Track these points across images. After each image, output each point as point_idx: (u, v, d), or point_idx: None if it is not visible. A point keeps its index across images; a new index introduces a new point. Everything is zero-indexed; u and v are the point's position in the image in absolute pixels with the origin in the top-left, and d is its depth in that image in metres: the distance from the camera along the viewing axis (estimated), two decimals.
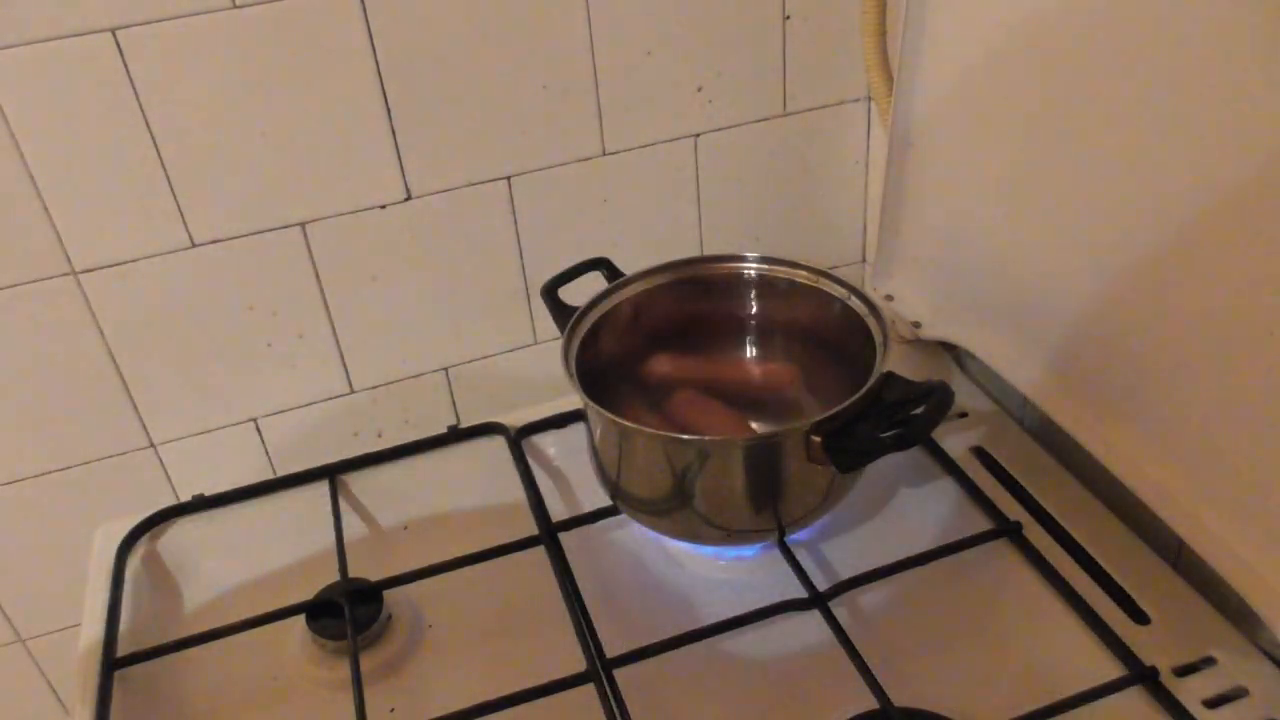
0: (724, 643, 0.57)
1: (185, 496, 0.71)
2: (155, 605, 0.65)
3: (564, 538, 0.64)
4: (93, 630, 0.61)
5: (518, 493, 0.68)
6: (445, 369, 0.81)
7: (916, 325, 0.74)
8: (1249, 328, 0.48)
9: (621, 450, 0.59)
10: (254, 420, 0.78)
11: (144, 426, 0.75)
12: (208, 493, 0.70)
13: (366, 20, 0.66)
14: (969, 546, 0.61)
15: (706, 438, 0.59)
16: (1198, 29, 0.47)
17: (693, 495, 0.57)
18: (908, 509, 0.66)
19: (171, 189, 0.67)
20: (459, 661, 0.59)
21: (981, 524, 0.63)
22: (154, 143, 0.65)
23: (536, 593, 0.61)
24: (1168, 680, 0.53)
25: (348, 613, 0.60)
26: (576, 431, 0.72)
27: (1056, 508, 0.64)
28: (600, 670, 0.55)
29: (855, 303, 0.62)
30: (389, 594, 0.61)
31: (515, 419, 0.73)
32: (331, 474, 0.71)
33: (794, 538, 0.62)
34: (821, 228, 0.86)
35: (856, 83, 0.79)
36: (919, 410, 0.53)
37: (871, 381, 0.55)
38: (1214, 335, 0.51)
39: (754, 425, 0.67)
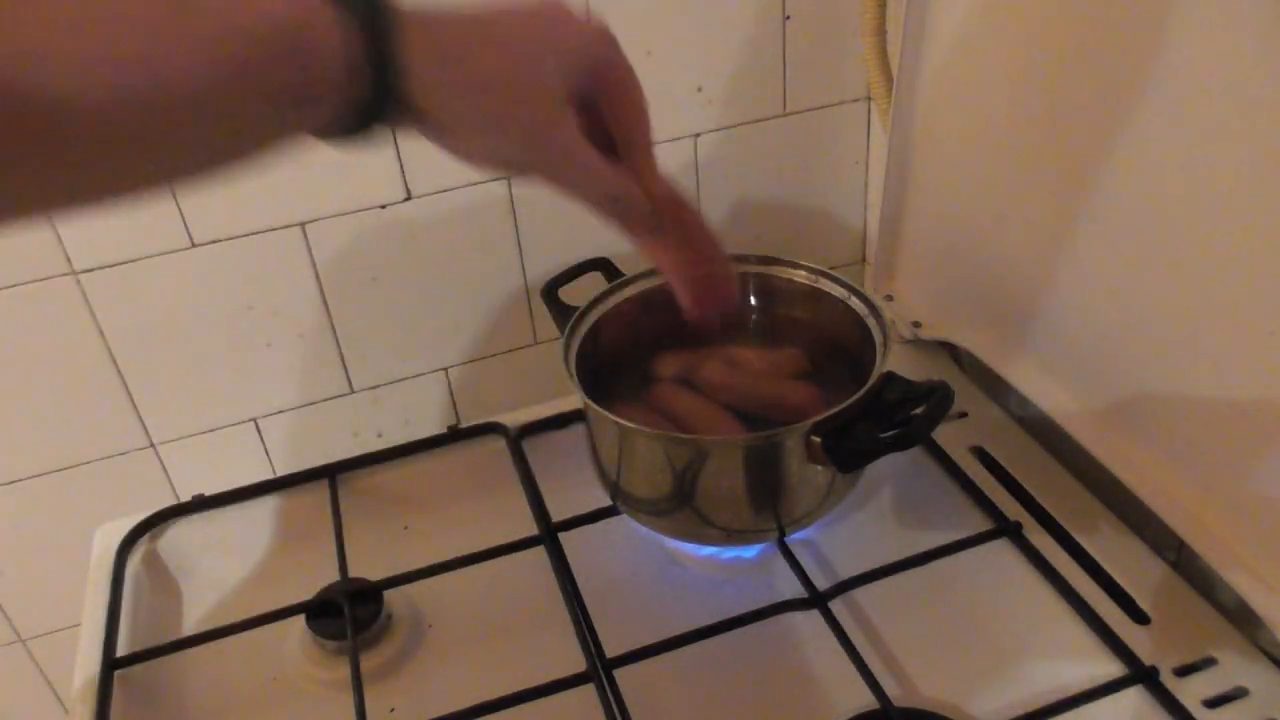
0: (725, 643, 0.57)
1: (185, 496, 0.71)
2: (155, 605, 0.65)
3: (564, 538, 0.64)
4: (93, 630, 0.61)
5: (518, 493, 0.68)
6: (445, 369, 0.81)
7: (916, 325, 0.74)
8: (1249, 328, 0.48)
9: (621, 450, 0.59)
10: (254, 420, 0.78)
11: (144, 426, 0.75)
12: (208, 493, 0.70)
13: None
14: (969, 546, 0.61)
15: (706, 438, 0.59)
16: (1196, 30, 0.47)
17: (693, 495, 0.57)
18: (908, 509, 0.66)
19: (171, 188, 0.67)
20: (459, 661, 0.59)
21: (981, 524, 0.63)
22: None
23: (536, 593, 0.61)
24: (1168, 680, 0.53)
25: (348, 613, 0.60)
26: (576, 431, 0.72)
27: (1056, 508, 0.64)
28: (600, 670, 0.55)
29: (855, 303, 0.62)
30: (389, 594, 0.61)
31: (515, 419, 0.73)
32: (331, 474, 0.71)
33: (794, 538, 0.62)
34: (821, 228, 0.86)
35: (856, 83, 0.79)
36: (919, 410, 0.53)
37: (871, 381, 0.55)
38: (1214, 335, 0.51)
39: (753, 424, 0.67)
